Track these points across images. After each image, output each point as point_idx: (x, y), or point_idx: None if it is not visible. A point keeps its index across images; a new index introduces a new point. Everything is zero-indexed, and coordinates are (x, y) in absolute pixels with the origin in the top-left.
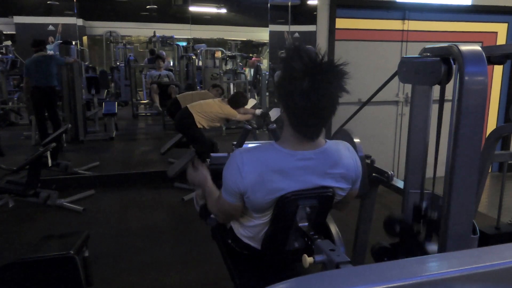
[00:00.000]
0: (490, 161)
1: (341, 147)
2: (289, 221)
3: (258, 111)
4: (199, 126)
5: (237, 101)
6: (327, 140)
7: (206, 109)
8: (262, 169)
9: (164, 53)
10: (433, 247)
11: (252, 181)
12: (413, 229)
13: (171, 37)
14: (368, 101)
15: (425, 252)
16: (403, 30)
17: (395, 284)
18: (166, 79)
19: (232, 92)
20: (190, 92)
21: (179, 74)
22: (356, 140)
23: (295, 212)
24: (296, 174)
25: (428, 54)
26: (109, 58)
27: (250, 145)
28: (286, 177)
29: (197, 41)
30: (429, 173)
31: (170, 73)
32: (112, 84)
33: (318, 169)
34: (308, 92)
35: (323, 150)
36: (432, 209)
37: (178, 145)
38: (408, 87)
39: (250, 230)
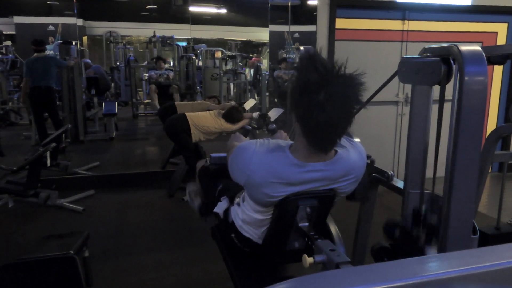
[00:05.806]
0: (490, 161)
1: (352, 154)
2: (289, 221)
3: (255, 114)
4: (194, 139)
5: (232, 118)
6: (338, 149)
7: (202, 123)
8: (268, 175)
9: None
10: (433, 251)
11: (255, 181)
12: (412, 234)
13: (171, 37)
14: (368, 102)
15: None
16: (403, 30)
17: (395, 284)
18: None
19: (232, 93)
20: (190, 102)
21: (179, 74)
22: (357, 139)
23: (296, 213)
24: (302, 184)
25: (428, 54)
26: (109, 58)
27: (267, 141)
28: (290, 186)
29: (197, 41)
30: (429, 173)
31: (170, 71)
32: (112, 84)
33: (326, 179)
34: (324, 105)
35: (335, 160)
36: (432, 213)
37: (173, 155)
38: (408, 87)
39: (252, 225)
